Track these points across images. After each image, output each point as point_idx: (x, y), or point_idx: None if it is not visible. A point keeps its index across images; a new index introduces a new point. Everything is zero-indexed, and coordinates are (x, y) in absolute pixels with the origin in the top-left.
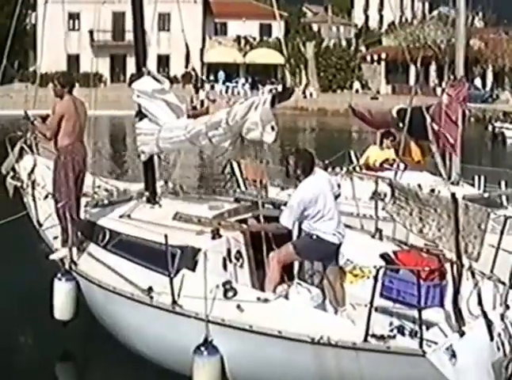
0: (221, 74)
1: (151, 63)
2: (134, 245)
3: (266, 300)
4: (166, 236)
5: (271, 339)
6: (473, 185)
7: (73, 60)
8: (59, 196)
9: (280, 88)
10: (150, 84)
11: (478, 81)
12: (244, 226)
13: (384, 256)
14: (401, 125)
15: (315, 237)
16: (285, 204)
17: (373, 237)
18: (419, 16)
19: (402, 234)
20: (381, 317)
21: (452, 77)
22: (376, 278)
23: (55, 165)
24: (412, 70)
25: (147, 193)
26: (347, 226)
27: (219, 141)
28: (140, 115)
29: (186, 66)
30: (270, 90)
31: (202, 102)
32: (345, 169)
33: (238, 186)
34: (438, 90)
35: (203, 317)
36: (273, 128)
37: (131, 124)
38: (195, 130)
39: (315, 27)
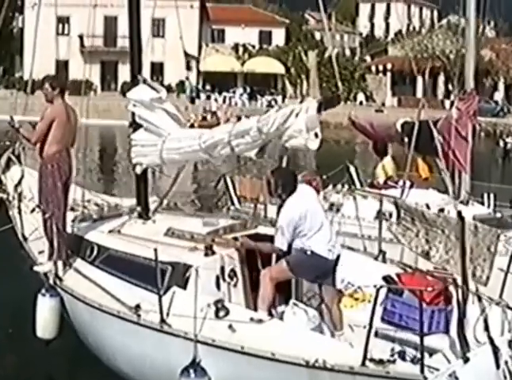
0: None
1: (144, 71)
2: (122, 260)
3: (260, 321)
4: (155, 251)
5: (263, 361)
6: (482, 203)
7: (61, 66)
8: (46, 207)
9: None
10: (147, 93)
11: (499, 96)
12: (239, 243)
13: (386, 279)
14: (406, 140)
15: (309, 252)
16: None
17: (376, 259)
18: (427, 24)
19: (407, 257)
20: (382, 342)
21: (458, 89)
22: (376, 298)
23: (40, 173)
24: (419, 81)
25: (138, 208)
26: (349, 248)
27: (243, 150)
28: (135, 125)
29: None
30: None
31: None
32: (346, 186)
33: (232, 203)
34: (447, 103)
35: (192, 337)
36: (316, 135)
37: (121, 135)
38: (214, 139)
39: (317, 35)
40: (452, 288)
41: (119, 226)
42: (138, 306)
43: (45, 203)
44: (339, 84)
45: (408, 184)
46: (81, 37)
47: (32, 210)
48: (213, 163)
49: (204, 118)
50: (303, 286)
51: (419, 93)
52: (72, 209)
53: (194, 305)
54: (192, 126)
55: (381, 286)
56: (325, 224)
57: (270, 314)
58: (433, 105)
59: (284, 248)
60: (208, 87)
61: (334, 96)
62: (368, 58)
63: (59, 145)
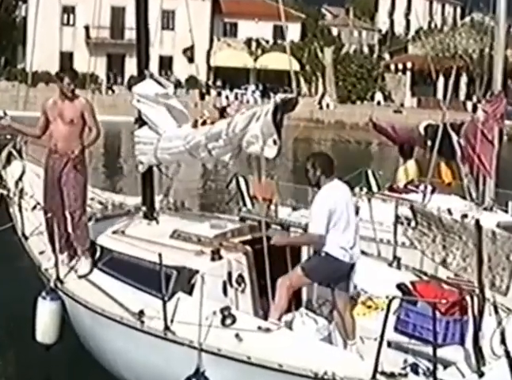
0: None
1: (152, 65)
2: (126, 263)
3: (268, 330)
4: (160, 255)
5: (270, 372)
6: (506, 211)
7: (66, 58)
8: (75, 207)
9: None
10: (152, 88)
11: None
12: (248, 247)
13: (400, 287)
14: (429, 143)
15: (323, 254)
16: (296, 226)
17: (390, 265)
18: (450, 22)
19: (423, 264)
20: (394, 353)
21: (482, 91)
22: (388, 308)
23: (70, 174)
24: (440, 81)
25: (144, 208)
26: (362, 253)
27: (218, 154)
28: (140, 121)
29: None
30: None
31: (223, 109)
32: (364, 189)
33: (244, 204)
34: (469, 105)
35: (197, 346)
36: (275, 142)
37: (127, 131)
38: (194, 140)
39: (334, 31)
40: (468, 298)
41: (123, 227)
42: (141, 312)
43: (75, 204)
44: (302, 82)
45: (430, 188)
46: (86, 28)
47: (34, 208)
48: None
49: (222, 115)
50: (314, 293)
51: (440, 94)
52: None
53: (199, 312)
54: (204, 123)
55: (394, 297)
56: (351, 226)
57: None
58: (454, 107)
59: (323, 232)
60: (218, 83)
61: (290, 99)
62: (387, 56)
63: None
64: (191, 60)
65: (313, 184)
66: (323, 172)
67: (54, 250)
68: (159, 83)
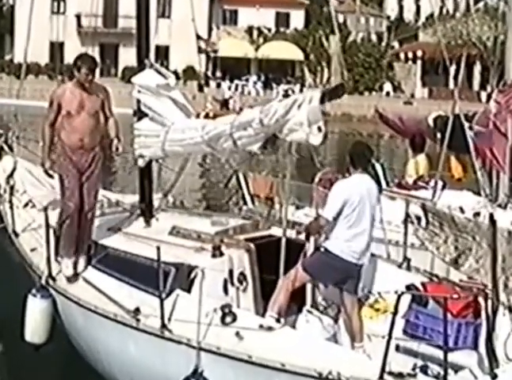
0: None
1: None
2: (121, 260)
3: (270, 328)
4: (158, 249)
5: (273, 372)
6: None
7: (56, 49)
8: (92, 205)
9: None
10: (153, 78)
11: None
12: (251, 244)
13: (410, 288)
14: (439, 136)
15: (322, 249)
16: (300, 225)
17: (400, 266)
18: (462, 8)
19: (434, 265)
20: (404, 357)
21: (496, 80)
22: (396, 306)
23: (96, 171)
24: (453, 70)
25: (142, 205)
26: (371, 254)
27: (246, 143)
28: (139, 113)
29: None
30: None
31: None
32: None
33: (245, 202)
34: (483, 95)
35: (195, 344)
36: (319, 129)
37: (122, 125)
38: (216, 130)
39: (340, 18)
40: (481, 300)
41: (119, 224)
42: (137, 310)
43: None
44: (344, 71)
45: (440, 184)
46: (78, 17)
47: (26, 205)
48: (219, 157)
49: (226, 107)
50: (321, 293)
51: (452, 84)
52: None
53: (198, 310)
54: (207, 116)
55: (403, 293)
56: (362, 224)
57: (278, 320)
58: (468, 97)
59: (330, 218)
60: (218, 74)
61: (339, 85)
62: (396, 44)
63: None
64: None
65: (345, 171)
66: (352, 162)
67: (67, 252)
68: (160, 73)
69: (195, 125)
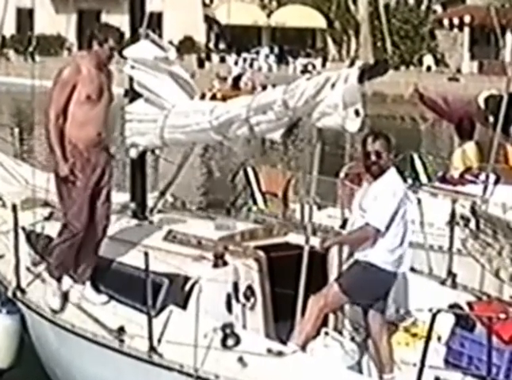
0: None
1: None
2: (104, 270)
3: (280, 353)
4: (146, 255)
5: None
6: None
7: (24, 16)
8: (106, 223)
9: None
10: (150, 51)
11: None
12: (261, 253)
13: (454, 308)
14: (491, 119)
15: (364, 264)
16: (322, 230)
17: (443, 283)
18: None
19: (486, 282)
20: None
21: None
22: (431, 326)
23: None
24: (508, 40)
25: (132, 205)
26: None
27: (265, 130)
28: (132, 93)
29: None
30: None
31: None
32: (410, 181)
33: (255, 202)
34: None
35: (190, 371)
36: (357, 113)
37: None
38: (229, 114)
39: None
40: None
41: None
42: (121, 329)
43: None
44: (388, 45)
45: (493, 178)
46: None
47: None
48: (228, 146)
49: (236, 86)
50: (346, 315)
51: (508, 56)
52: (46, 204)
53: (195, 330)
54: (213, 97)
55: (439, 311)
56: (400, 227)
57: (303, 348)
58: None
59: (382, 227)
60: (222, 46)
61: (381, 62)
62: (438, 8)
63: None
64: None
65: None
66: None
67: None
68: (158, 45)
69: (202, 108)
